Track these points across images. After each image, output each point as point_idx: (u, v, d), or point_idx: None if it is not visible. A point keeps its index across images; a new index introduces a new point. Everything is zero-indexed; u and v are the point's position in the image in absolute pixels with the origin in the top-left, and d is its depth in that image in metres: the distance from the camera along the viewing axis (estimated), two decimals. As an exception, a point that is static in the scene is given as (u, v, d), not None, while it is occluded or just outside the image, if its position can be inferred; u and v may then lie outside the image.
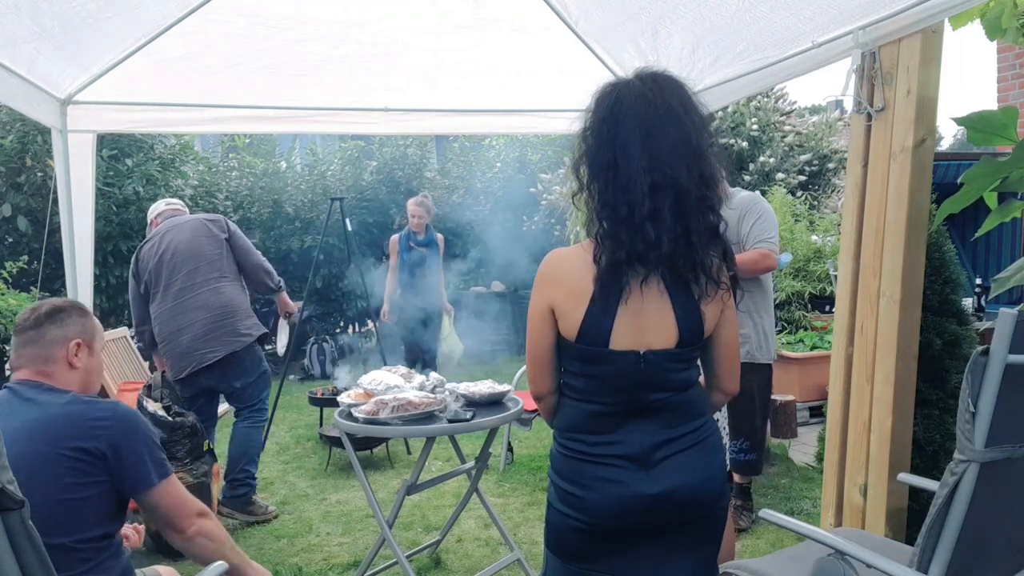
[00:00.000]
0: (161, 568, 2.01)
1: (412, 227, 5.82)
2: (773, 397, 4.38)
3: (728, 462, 2.62)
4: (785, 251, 5.35)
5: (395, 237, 5.97)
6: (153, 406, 3.49)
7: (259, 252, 4.02)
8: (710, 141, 1.51)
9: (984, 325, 4.31)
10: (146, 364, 5.70)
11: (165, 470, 1.78)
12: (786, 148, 8.55)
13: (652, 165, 1.45)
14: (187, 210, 4.16)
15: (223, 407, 4.53)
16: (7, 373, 1.87)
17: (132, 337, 5.39)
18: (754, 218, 3.22)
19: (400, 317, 5.84)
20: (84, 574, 1.62)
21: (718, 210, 1.53)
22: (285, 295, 4.24)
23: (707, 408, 1.64)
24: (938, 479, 1.58)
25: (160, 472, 1.76)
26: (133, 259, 3.88)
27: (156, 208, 4.07)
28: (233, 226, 3.94)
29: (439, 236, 6.03)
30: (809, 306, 6.03)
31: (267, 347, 5.60)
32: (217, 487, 3.73)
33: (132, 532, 2.05)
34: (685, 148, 1.46)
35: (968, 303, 4.63)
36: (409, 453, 5.05)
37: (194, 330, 3.66)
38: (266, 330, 3.98)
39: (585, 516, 1.53)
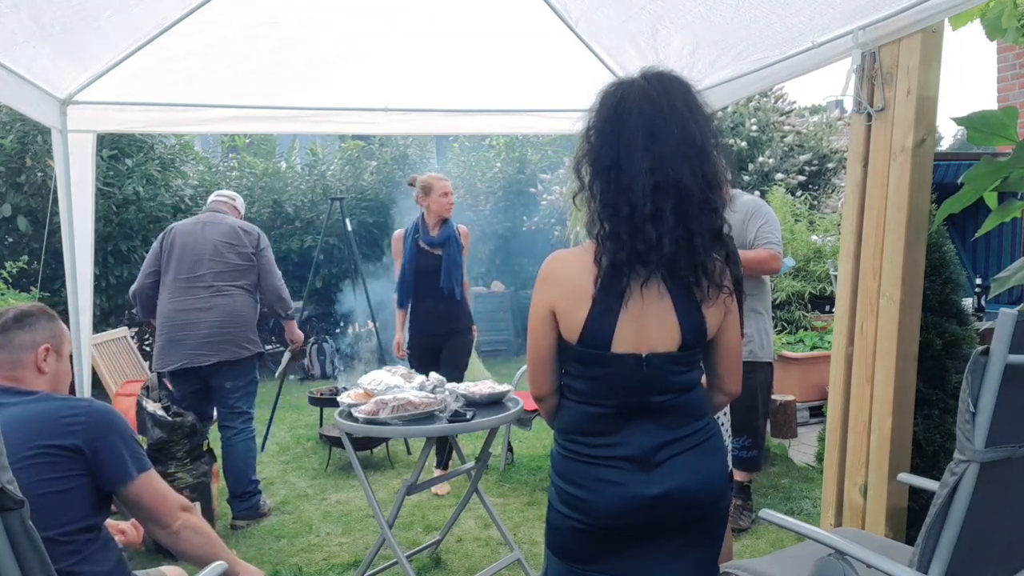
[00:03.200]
0: (166, 568, 2.00)
1: (441, 213, 4.09)
2: (773, 397, 4.38)
3: (731, 461, 2.62)
4: (786, 255, 5.36)
5: (398, 234, 4.24)
6: (152, 406, 3.49)
7: (280, 277, 3.99)
8: (714, 142, 1.50)
9: (984, 325, 4.31)
10: (146, 364, 5.72)
11: (143, 464, 1.77)
12: (786, 148, 8.55)
13: (655, 166, 1.44)
14: (237, 205, 4.12)
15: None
16: None
17: (132, 337, 5.40)
18: (761, 220, 3.25)
19: (410, 350, 4.23)
20: (74, 566, 1.62)
21: (721, 212, 1.52)
22: (294, 325, 4.22)
23: (709, 409, 1.63)
24: (938, 479, 1.58)
25: (139, 466, 1.75)
26: (162, 235, 3.86)
27: (212, 196, 4.12)
28: (265, 242, 3.94)
29: (462, 228, 4.21)
30: (809, 306, 6.03)
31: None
32: (216, 487, 3.73)
33: (130, 527, 2.03)
34: (689, 149, 1.45)
35: (968, 303, 4.63)
36: (409, 453, 5.05)
37: (199, 329, 3.65)
38: (263, 350, 3.96)
39: (586, 517, 1.53)
